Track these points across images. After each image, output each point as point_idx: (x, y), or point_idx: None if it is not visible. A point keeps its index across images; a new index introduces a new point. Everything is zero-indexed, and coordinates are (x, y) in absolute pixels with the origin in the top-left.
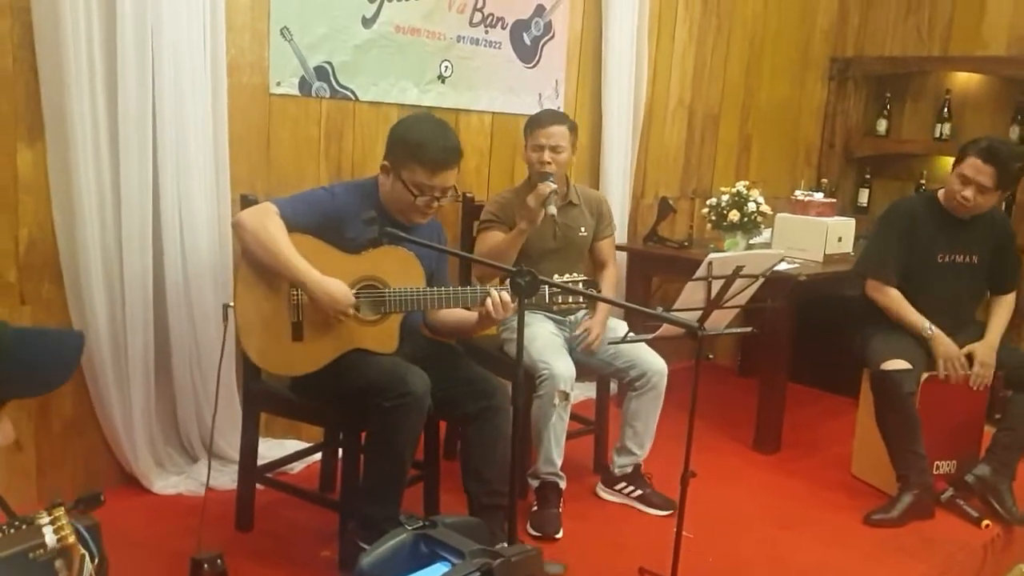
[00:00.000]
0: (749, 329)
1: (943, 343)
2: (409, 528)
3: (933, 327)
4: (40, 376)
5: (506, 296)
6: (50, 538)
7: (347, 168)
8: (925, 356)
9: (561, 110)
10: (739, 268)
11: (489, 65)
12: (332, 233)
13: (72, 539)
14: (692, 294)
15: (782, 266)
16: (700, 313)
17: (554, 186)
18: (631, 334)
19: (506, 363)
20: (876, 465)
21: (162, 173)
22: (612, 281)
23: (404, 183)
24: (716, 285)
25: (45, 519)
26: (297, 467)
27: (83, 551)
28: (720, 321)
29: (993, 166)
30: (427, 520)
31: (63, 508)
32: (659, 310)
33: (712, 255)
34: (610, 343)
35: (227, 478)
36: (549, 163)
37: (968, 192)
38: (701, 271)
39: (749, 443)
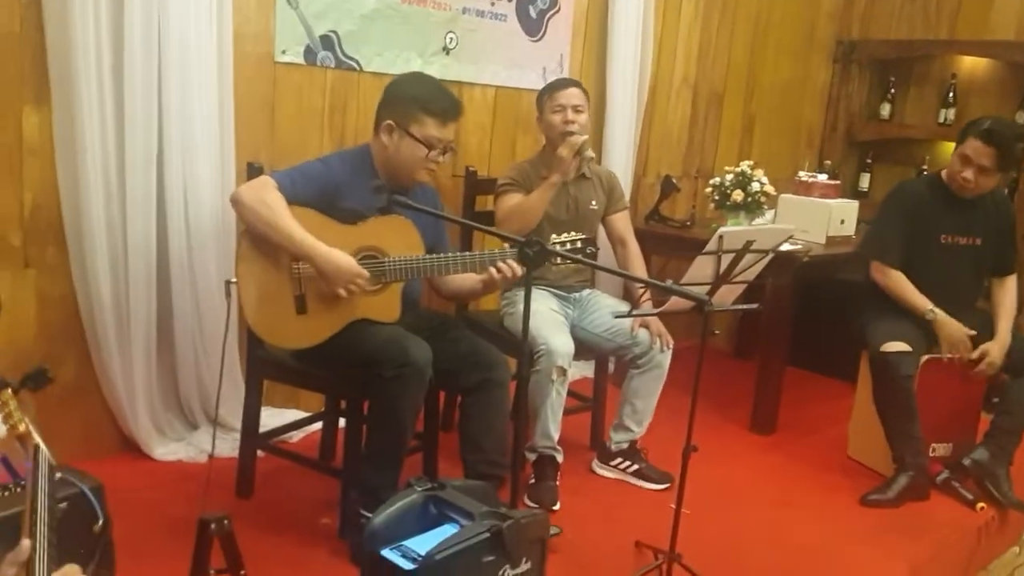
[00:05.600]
0: (755, 306)
1: (947, 325)
2: (419, 489)
3: (936, 309)
4: None
5: (516, 267)
6: None
7: (350, 139)
8: (925, 339)
9: None
10: (749, 243)
11: (494, 38)
12: (329, 204)
13: (24, 427)
14: (701, 269)
15: (785, 246)
16: (708, 288)
17: (585, 136)
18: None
19: (505, 338)
20: (872, 447)
21: (167, 139)
22: (638, 258)
23: (414, 137)
24: (725, 260)
25: None
26: (296, 436)
27: (37, 440)
28: (726, 298)
29: (994, 147)
30: (436, 482)
31: (9, 389)
32: (669, 283)
33: (723, 229)
34: (615, 316)
35: (227, 446)
36: (573, 122)
37: (968, 173)
38: (712, 245)
39: (745, 424)
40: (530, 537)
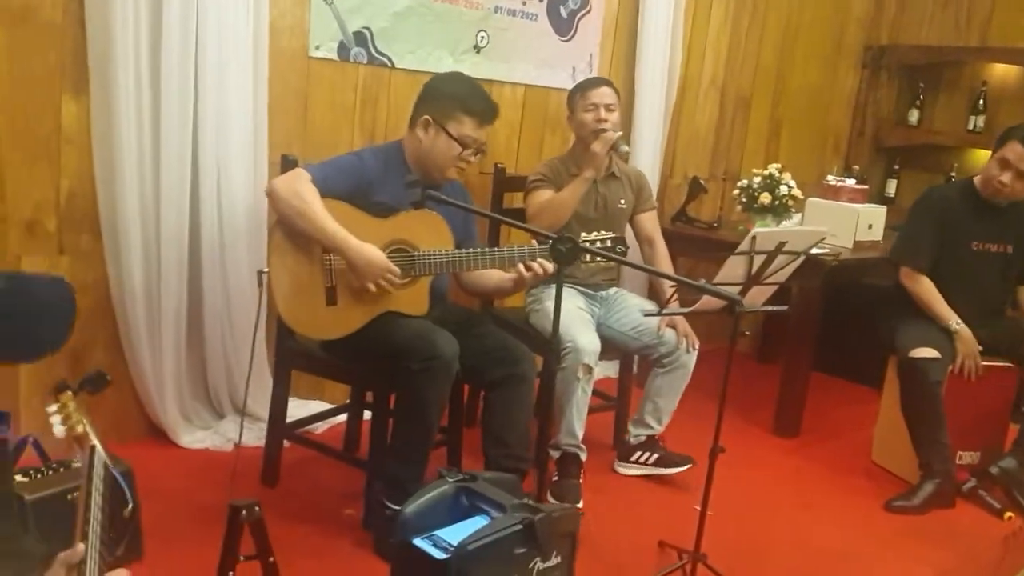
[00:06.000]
0: (784, 307)
1: (966, 340)
2: (450, 480)
3: (960, 322)
4: (31, 333)
5: (548, 266)
6: (58, 428)
7: (380, 136)
8: (953, 347)
9: None
10: (782, 244)
11: (524, 37)
12: (361, 198)
13: (81, 429)
14: (732, 269)
15: (814, 249)
16: (740, 288)
17: (619, 133)
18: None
19: (531, 335)
20: (898, 453)
21: (202, 132)
22: (666, 258)
23: (450, 135)
24: (757, 261)
25: (52, 407)
26: (320, 427)
27: (94, 442)
28: (757, 299)
29: None
30: (467, 474)
31: (69, 392)
32: (702, 282)
33: (756, 229)
34: (645, 315)
35: (252, 435)
36: (606, 120)
37: (1006, 177)
38: (744, 245)
39: (768, 428)
40: (561, 531)
